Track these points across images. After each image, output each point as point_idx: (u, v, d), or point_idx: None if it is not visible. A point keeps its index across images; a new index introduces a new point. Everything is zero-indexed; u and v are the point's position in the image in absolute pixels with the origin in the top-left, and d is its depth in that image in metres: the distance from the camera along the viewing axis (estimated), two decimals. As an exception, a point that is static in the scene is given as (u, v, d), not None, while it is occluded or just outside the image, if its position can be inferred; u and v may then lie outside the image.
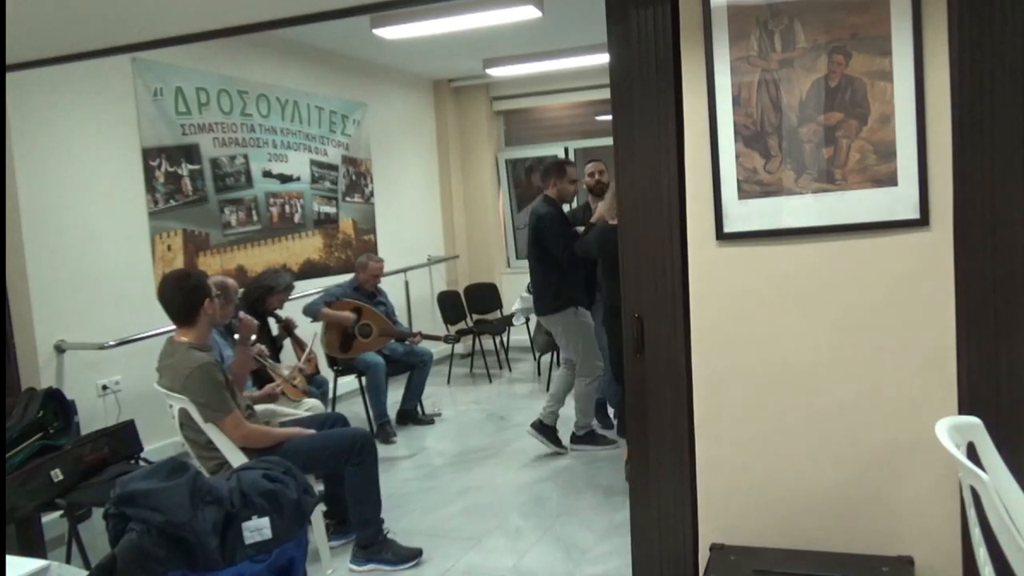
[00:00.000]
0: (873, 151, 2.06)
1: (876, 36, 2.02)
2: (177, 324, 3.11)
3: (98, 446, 3.40)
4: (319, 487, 3.54)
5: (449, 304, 7.18)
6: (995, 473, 1.78)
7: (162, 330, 3.73)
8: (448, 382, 6.75)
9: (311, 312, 5.05)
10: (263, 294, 4.46)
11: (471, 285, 7.67)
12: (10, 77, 3.34)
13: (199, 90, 5.06)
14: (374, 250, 6.67)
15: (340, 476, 3.33)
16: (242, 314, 3.56)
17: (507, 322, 7.05)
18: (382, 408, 5.18)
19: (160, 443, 4.27)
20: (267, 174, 5.67)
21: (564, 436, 4.65)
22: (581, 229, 4.54)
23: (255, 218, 5.54)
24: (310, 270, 6.05)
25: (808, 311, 2.17)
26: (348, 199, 6.58)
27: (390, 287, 6.01)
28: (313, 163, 6.18)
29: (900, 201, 2.05)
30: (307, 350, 4.50)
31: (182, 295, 3.06)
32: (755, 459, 2.26)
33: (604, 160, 4.75)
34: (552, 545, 3.42)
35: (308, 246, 6.10)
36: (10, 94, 3.77)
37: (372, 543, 3.30)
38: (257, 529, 2.30)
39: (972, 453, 1.79)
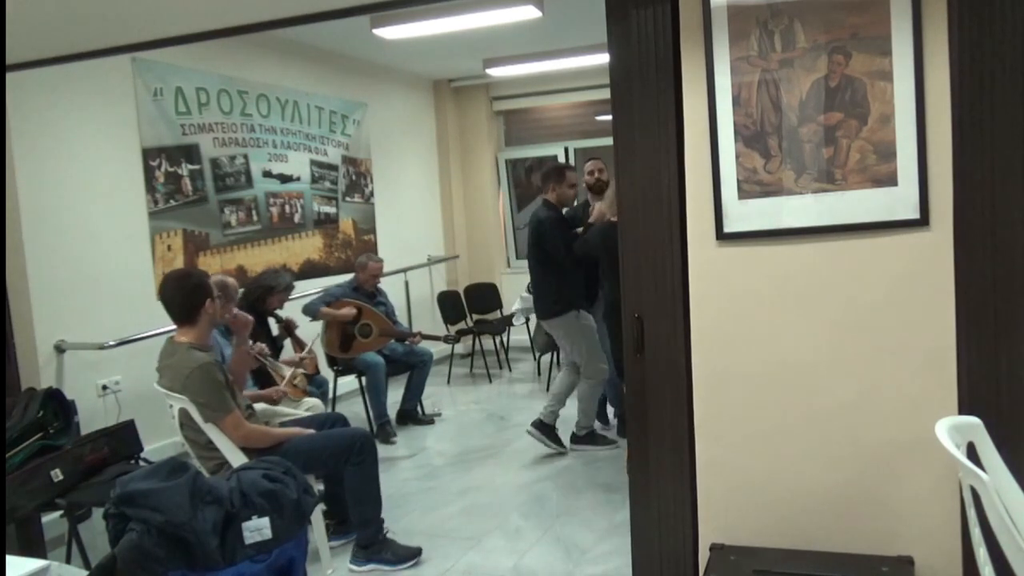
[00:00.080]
0: (873, 151, 2.06)
1: (876, 36, 2.02)
2: (178, 324, 3.10)
3: (98, 446, 3.40)
4: (319, 487, 3.54)
5: (449, 304, 7.18)
6: (995, 473, 1.78)
7: (162, 330, 3.73)
8: (448, 382, 6.75)
9: (310, 312, 5.05)
10: (263, 294, 4.46)
11: (471, 285, 7.67)
12: (10, 77, 3.34)
13: (199, 90, 5.06)
14: (374, 250, 6.67)
15: (340, 476, 3.33)
16: (235, 310, 3.54)
17: (507, 322, 7.05)
18: (382, 408, 5.18)
19: (160, 443, 4.27)
20: (267, 174, 5.67)
21: (564, 436, 4.65)
22: (580, 230, 4.55)
23: (255, 218, 5.54)
24: (310, 270, 6.05)
25: (808, 311, 2.17)
26: (348, 199, 6.58)
27: (390, 287, 6.00)
28: (313, 163, 6.18)
29: (900, 201, 2.05)
30: (306, 350, 4.50)
31: (183, 295, 3.06)
32: (755, 459, 2.26)
33: (604, 160, 4.76)
34: (552, 545, 3.42)
35: (308, 246, 6.10)
36: (10, 94, 3.77)
37: (372, 543, 3.30)
38: (257, 529, 2.30)
39: (972, 453, 1.79)
